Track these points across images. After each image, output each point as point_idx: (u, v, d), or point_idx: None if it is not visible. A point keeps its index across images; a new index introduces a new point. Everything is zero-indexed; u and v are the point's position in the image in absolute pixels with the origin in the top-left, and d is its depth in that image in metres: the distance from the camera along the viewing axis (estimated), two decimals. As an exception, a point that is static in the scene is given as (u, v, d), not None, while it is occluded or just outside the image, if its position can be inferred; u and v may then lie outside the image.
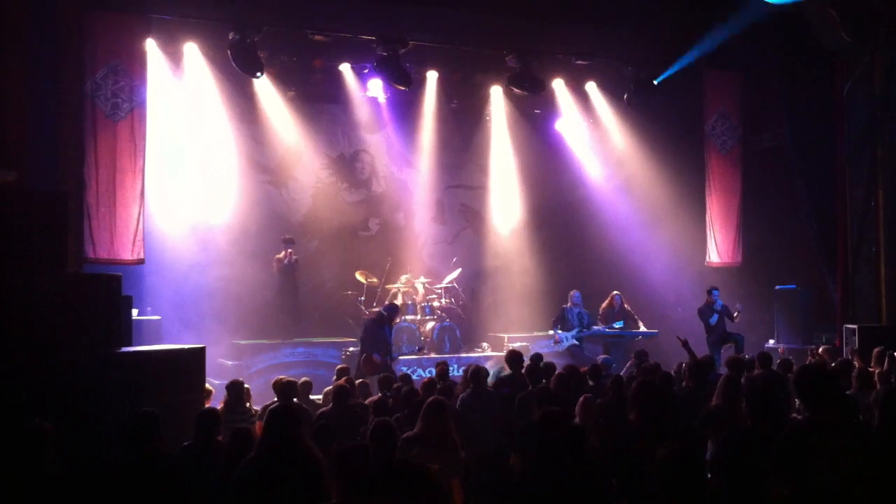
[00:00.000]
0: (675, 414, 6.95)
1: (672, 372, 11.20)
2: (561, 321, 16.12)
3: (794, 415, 6.37)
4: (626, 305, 16.53)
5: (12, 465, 5.68)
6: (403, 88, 16.17)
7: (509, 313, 18.03)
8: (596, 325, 16.27)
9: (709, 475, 6.57)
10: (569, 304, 16.20)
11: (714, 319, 15.61)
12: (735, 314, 15.73)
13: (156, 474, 5.98)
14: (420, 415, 7.11)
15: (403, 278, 17.10)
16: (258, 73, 15.20)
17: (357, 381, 10.64)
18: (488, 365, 11.78)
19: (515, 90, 17.13)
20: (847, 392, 9.12)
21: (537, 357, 11.44)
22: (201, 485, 6.42)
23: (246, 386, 9.89)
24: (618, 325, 16.08)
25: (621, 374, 10.96)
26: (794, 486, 5.40)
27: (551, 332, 16.26)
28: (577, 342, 15.96)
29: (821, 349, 13.36)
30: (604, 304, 16.61)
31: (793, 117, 16.72)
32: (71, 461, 6.04)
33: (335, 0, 15.40)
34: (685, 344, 10.40)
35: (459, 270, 17.59)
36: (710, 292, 15.86)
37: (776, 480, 5.49)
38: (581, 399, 8.07)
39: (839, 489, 5.37)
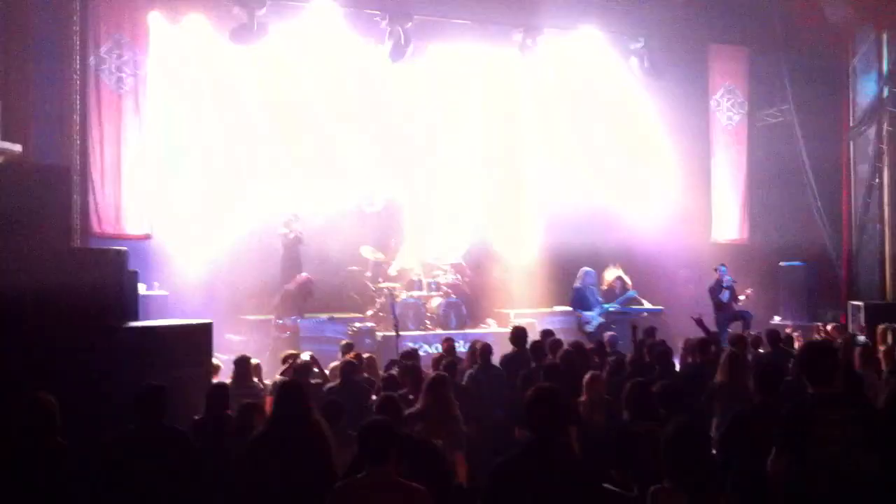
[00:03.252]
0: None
1: (680, 347, 11.23)
2: (579, 302, 15.69)
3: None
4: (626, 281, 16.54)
5: (18, 438, 5.70)
6: (397, 61, 16.08)
7: (515, 289, 17.98)
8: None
9: (714, 451, 6.64)
10: (579, 283, 15.85)
11: (726, 296, 15.59)
12: (744, 296, 15.72)
13: (165, 447, 6.02)
14: (423, 390, 7.14)
15: (405, 251, 17.14)
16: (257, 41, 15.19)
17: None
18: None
19: (521, 63, 17.09)
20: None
21: (546, 333, 11.45)
22: (212, 458, 6.46)
23: (255, 361, 9.91)
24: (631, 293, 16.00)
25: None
26: (798, 457, 5.45)
27: (576, 311, 15.91)
28: (603, 320, 15.57)
29: (829, 326, 13.36)
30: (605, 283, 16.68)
31: (798, 93, 16.66)
32: (76, 435, 6.06)
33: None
34: (699, 322, 10.42)
35: (462, 244, 17.57)
36: (717, 269, 15.82)
37: (780, 453, 5.54)
38: (588, 375, 8.10)
39: (843, 460, 5.42)
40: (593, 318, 15.39)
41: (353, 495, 4.82)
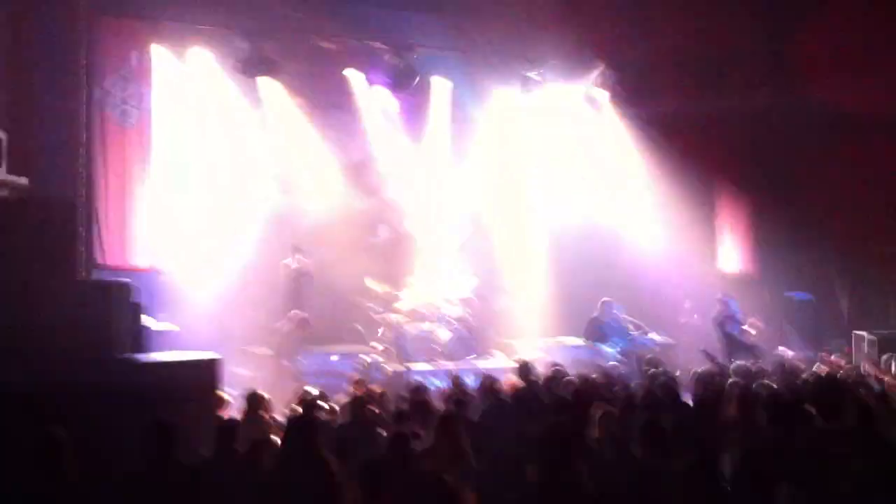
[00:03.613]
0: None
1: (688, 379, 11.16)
2: (594, 333, 15.47)
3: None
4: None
5: (35, 473, 5.65)
6: (404, 90, 16.15)
7: (522, 321, 17.91)
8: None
9: (729, 487, 6.59)
10: (600, 314, 15.63)
11: (736, 329, 15.39)
12: (750, 326, 15.54)
13: (177, 484, 5.96)
14: (434, 427, 7.10)
15: (412, 283, 17.08)
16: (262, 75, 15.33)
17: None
18: None
19: (524, 95, 17.16)
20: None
21: (555, 366, 11.39)
22: (221, 495, 6.39)
23: (266, 396, 9.84)
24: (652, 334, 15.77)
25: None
26: (811, 492, 5.43)
27: (589, 343, 15.69)
28: (622, 357, 15.03)
29: (833, 356, 13.28)
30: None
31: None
32: (82, 470, 6.00)
33: (344, 7, 15.38)
34: (708, 354, 10.40)
35: (471, 278, 17.52)
36: (722, 299, 15.62)
37: (794, 488, 5.51)
38: (600, 410, 8.03)
39: (855, 494, 5.39)
40: (611, 354, 15.12)
41: None
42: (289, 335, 14.92)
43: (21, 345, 8.14)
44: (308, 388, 10.05)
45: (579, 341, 16.61)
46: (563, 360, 14.97)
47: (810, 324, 16.43)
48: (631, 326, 16.01)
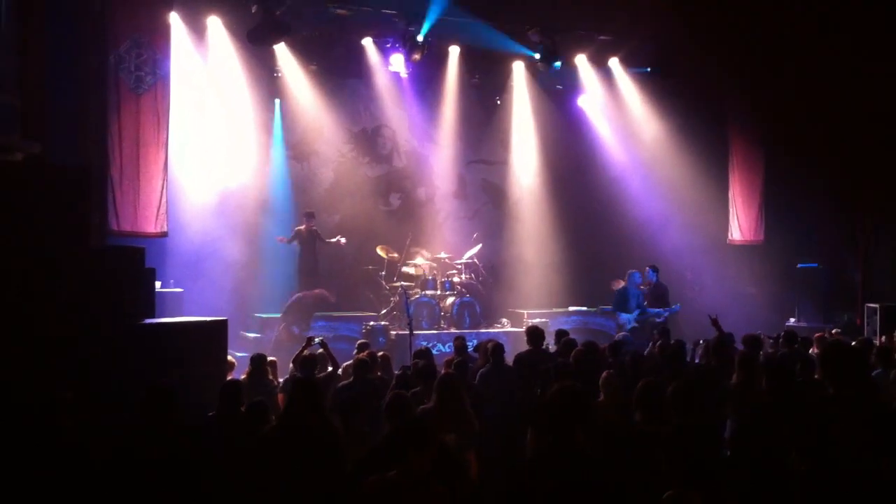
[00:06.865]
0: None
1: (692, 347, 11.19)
2: (618, 303, 15.60)
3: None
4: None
5: (33, 434, 5.74)
6: (417, 58, 16.13)
7: (529, 289, 18.01)
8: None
9: (728, 452, 6.64)
10: (625, 284, 15.69)
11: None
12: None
13: (173, 446, 6.05)
14: (434, 389, 7.16)
15: (423, 256, 17.14)
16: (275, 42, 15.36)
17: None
18: None
19: (538, 65, 17.14)
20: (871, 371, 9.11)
21: (561, 333, 11.44)
22: (224, 455, 6.49)
23: (272, 359, 9.95)
24: (676, 307, 15.73)
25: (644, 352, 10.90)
26: (818, 457, 5.47)
27: (615, 313, 15.83)
28: (637, 324, 15.26)
29: (835, 330, 13.23)
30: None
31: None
32: (92, 432, 6.10)
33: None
34: (715, 322, 10.42)
35: (480, 246, 17.55)
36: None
37: (798, 453, 5.55)
38: (604, 374, 8.08)
39: (861, 461, 5.43)
40: (628, 321, 15.26)
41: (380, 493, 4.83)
42: (305, 305, 15.12)
43: (36, 310, 8.23)
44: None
45: (585, 309, 16.81)
46: (570, 328, 15.12)
47: (821, 295, 16.39)
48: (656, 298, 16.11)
